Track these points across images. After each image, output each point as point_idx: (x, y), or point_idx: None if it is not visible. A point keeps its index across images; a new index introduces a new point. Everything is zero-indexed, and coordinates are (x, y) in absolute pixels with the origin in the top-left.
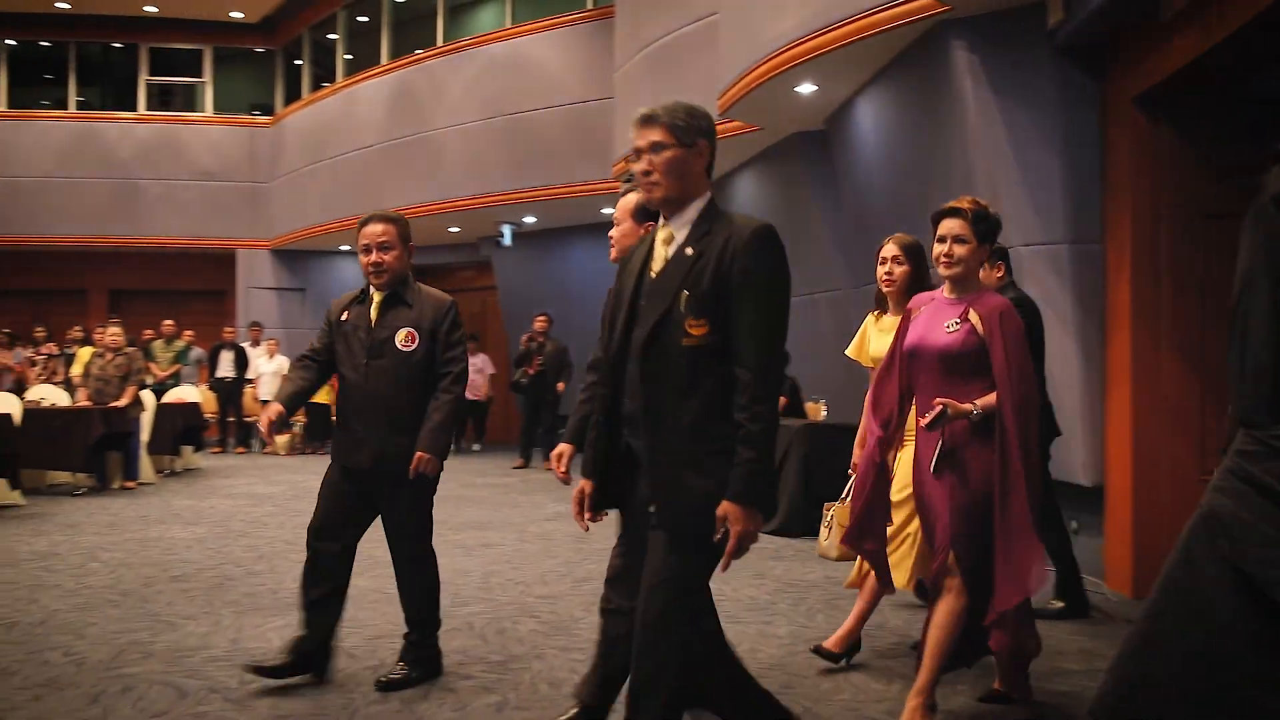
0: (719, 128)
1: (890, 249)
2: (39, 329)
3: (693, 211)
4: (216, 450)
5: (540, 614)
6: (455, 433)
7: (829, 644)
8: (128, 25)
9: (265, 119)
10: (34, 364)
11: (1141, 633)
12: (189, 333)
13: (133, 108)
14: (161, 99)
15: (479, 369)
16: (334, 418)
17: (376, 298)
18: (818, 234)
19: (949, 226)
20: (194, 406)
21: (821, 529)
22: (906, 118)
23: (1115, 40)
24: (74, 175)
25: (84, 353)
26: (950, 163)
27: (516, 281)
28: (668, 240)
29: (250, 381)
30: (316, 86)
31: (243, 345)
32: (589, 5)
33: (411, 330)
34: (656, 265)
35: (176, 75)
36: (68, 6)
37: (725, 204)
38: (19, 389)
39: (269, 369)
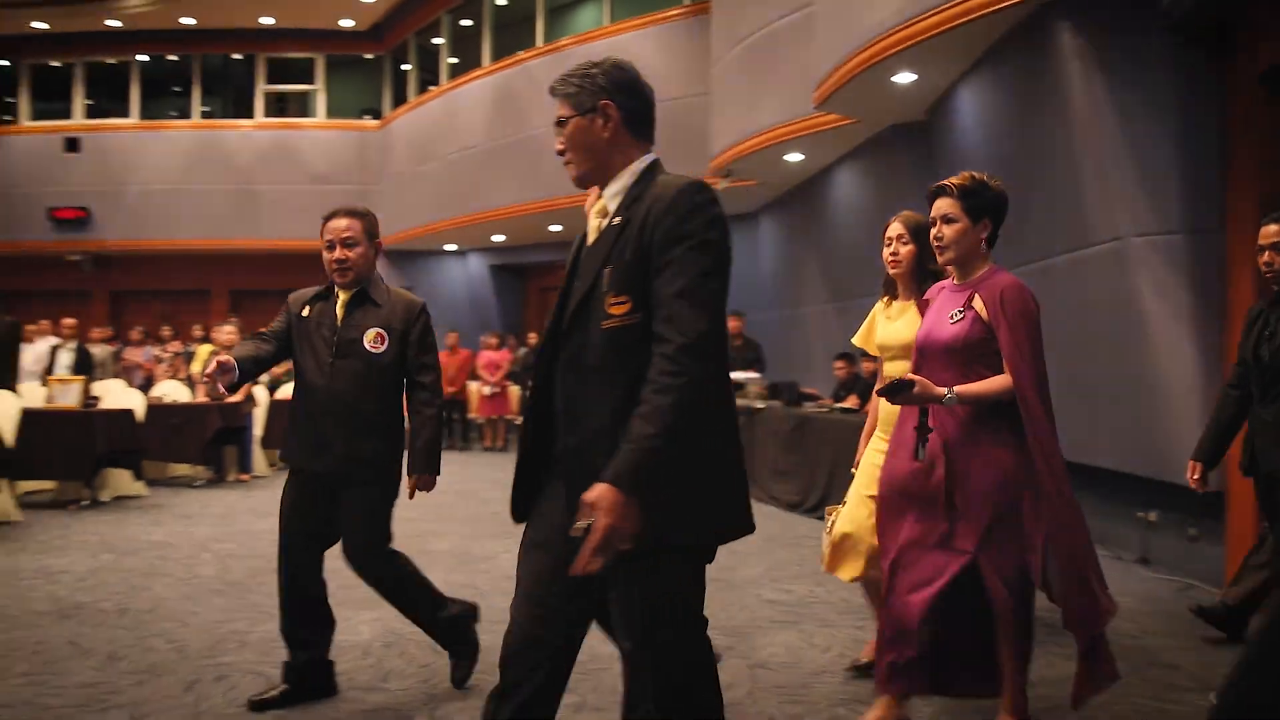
0: (813, 121)
1: (895, 228)
2: (165, 328)
3: (626, 177)
4: None
5: None
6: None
7: (865, 655)
8: (246, 37)
9: (374, 123)
10: (160, 361)
11: (1257, 649)
12: None
13: (250, 116)
14: (277, 106)
15: None
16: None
17: (343, 296)
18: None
19: (937, 207)
20: None
21: (824, 536)
22: (1010, 105)
23: (1239, 15)
24: (198, 182)
25: (203, 350)
26: (1056, 151)
27: None
28: (601, 212)
29: None
30: (422, 90)
31: None
32: (686, 1)
33: (381, 331)
34: (590, 241)
35: (291, 83)
36: (193, 22)
37: (823, 200)
38: (147, 385)
39: None
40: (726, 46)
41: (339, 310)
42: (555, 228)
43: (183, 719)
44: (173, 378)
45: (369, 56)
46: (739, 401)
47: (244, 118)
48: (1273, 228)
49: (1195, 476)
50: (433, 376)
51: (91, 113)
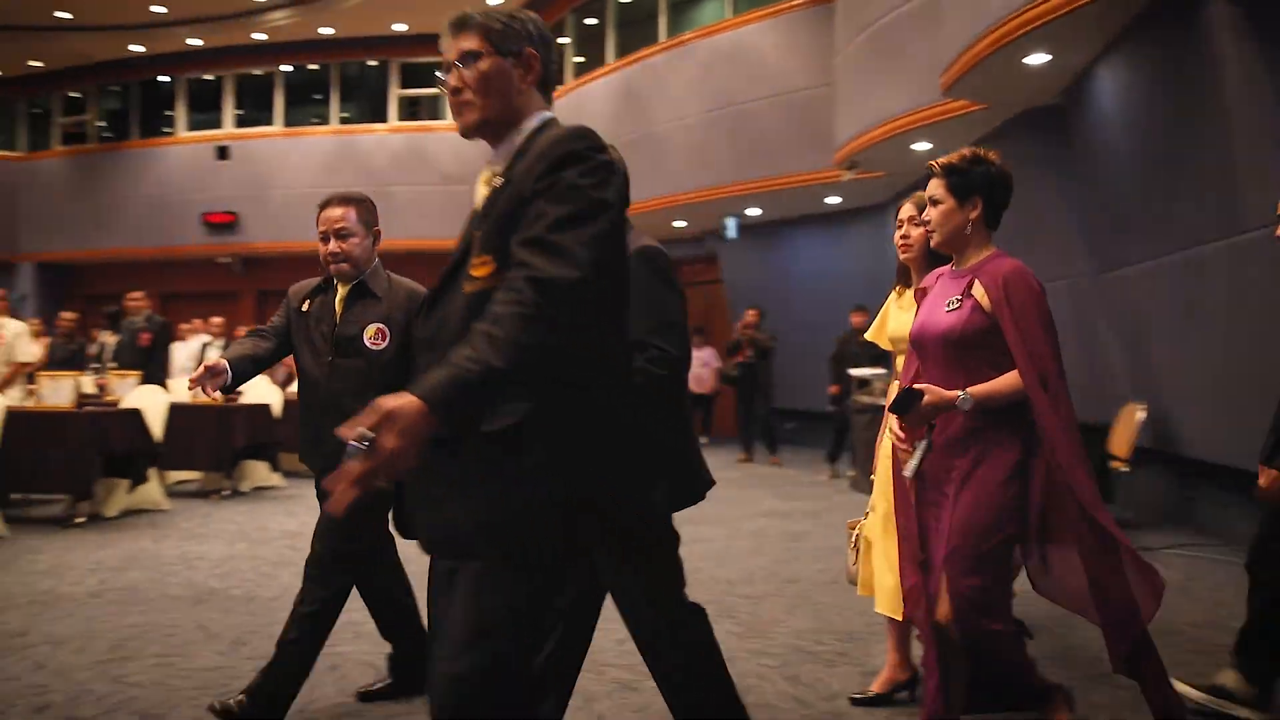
0: (940, 109)
1: (906, 209)
2: None
3: (520, 138)
4: None
5: (739, 614)
6: None
7: (875, 687)
8: (381, 44)
9: None
10: None
11: None
12: None
13: (385, 120)
14: (410, 110)
15: (704, 362)
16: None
17: (342, 289)
18: (1054, 219)
19: (927, 190)
20: None
21: (848, 551)
22: (1154, 84)
23: None
24: (336, 185)
25: None
26: (1206, 131)
27: (741, 274)
28: (488, 179)
29: None
30: None
31: None
32: None
33: (381, 326)
34: (477, 207)
35: (423, 87)
36: (331, 31)
37: None
38: (288, 381)
39: None
40: (850, 35)
41: (337, 305)
42: (680, 223)
43: (295, 708)
44: None
45: None
46: (864, 398)
47: (379, 122)
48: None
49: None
50: None
51: (240, 122)
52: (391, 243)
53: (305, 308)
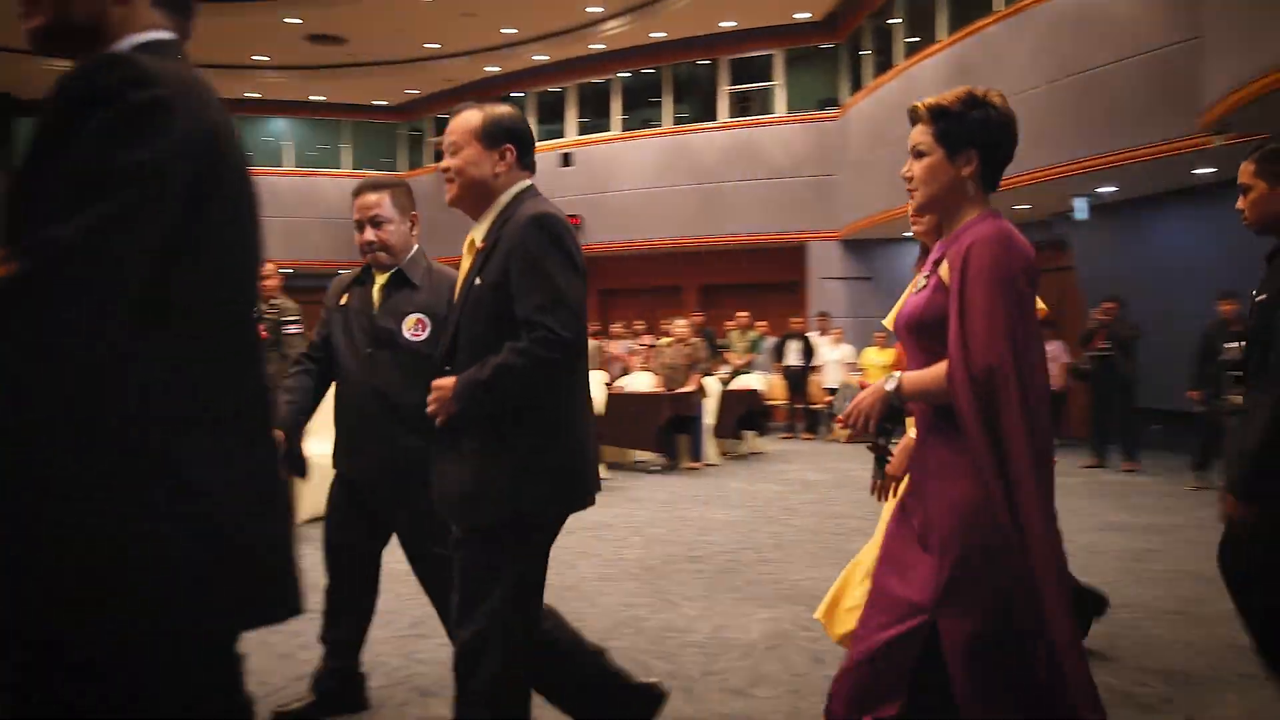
0: None
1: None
2: (638, 322)
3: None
4: (785, 436)
5: None
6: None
7: None
8: (709, 43)
9: (832, 113)
10: (634, 353)
11: None
12: (762, 323)
13: (714, 118)
14: (740, 106)
15: (1053, 357)
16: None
17: (380, 279)
18: None
19: (911, 138)
20: (754, 393)
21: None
22: None
23: None
24: (669, 184)
25: (664, 343)
26: None
27: (1096, 259)
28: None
29: (816, 369)
30: (878, 74)
31: (809, 334)
32: None
33: (421, 317)
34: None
35: (752, 82)
36: (663, 35)
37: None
38: (623, 376)
39: (833, 357)
40: None
41: (375, 295)
42: (1022, 206)
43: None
44: (645, 368)
45: (825, 46)
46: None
47: (708, 121)
48: None
49: None
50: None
51: (582, 130)
52: (721, 239)
53: (343, 301)
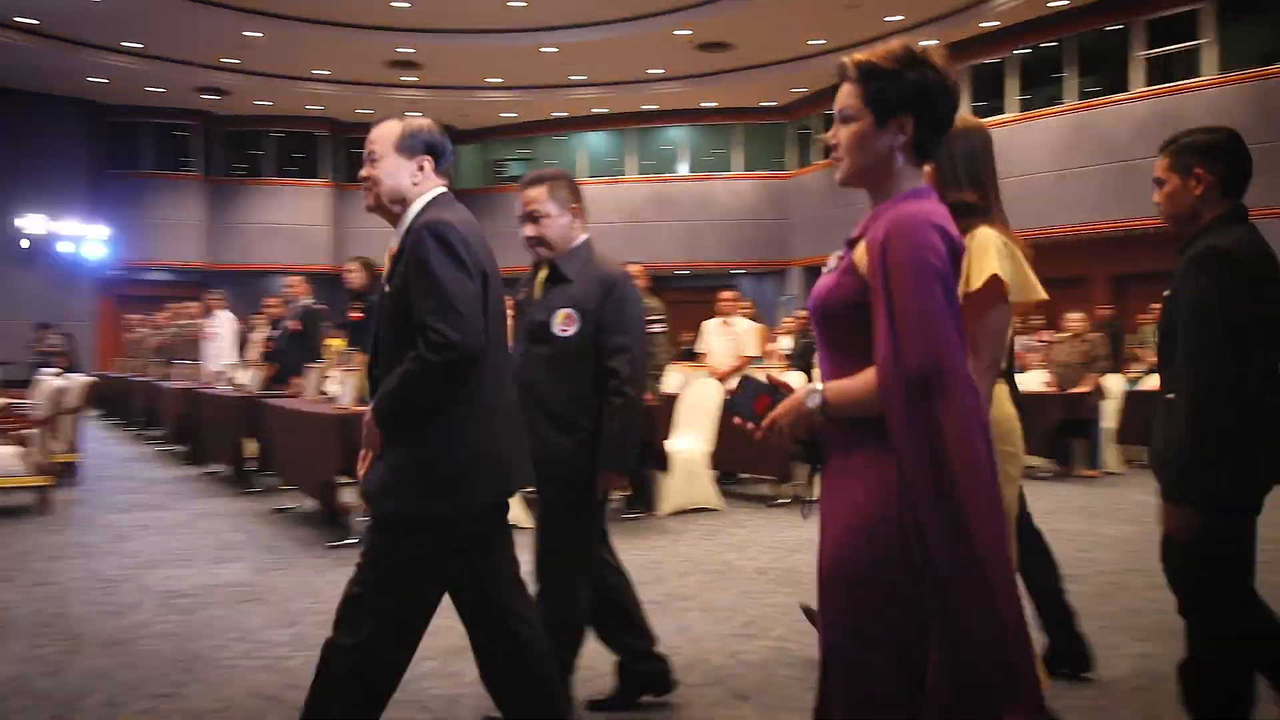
0: None
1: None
2: (1037, 317)
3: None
4: None
5: None
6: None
7: None
8: (1119, 5)
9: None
10: (1031, 350)
11: None
12: None
13: (1125, 88)
14: (1163, 71)
15: None
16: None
17: (542, 272)
18: None
19: (837, 99)
20: None
21: None
22: None
23: None
24: (1072, 166)
25: (1059, 339)
26: None
27: None
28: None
29: None
30: None
31: None
32: None
33: (570, 312)
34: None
35: (1174, 43)
36: (1064, 3)
37: None
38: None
39: None
40: None
41: (536, 289)
42: None
43: None
44: (1039, 366)
45: None
46: None
47: (1118, 91)
48: None
49: None
50: (624, 359)
51: (976, 114)
52: (1133, 223)
53: (522, 295)
